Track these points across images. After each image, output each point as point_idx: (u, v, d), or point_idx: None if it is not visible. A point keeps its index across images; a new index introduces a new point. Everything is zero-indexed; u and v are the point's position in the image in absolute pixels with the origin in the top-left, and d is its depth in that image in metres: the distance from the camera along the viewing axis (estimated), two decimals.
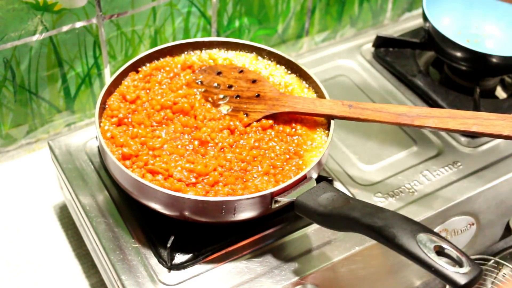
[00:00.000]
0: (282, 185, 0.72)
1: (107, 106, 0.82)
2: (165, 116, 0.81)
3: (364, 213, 0.64)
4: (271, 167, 0.77)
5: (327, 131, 0.81)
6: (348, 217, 0.65)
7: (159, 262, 0.76)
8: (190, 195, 0.72)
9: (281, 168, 0.77)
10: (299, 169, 0.77)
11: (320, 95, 0.85)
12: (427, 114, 0.74)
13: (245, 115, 0.82)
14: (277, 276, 0.76)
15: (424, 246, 0.58)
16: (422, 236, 0.59)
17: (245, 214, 0.73)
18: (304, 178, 0.74)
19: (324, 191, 0.71)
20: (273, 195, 0.72)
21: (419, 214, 0.84)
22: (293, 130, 0.82)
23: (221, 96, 0.84)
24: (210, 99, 0.84)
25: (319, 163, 0.76)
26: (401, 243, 0.59)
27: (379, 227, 0.62)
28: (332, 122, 0.80)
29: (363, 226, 0.64)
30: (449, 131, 0.74)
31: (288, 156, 0.78)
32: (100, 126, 0.79)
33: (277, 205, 0.73)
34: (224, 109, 0.83)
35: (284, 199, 0.72)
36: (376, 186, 0.87)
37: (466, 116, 0.73)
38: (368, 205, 0.66)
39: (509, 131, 0.70)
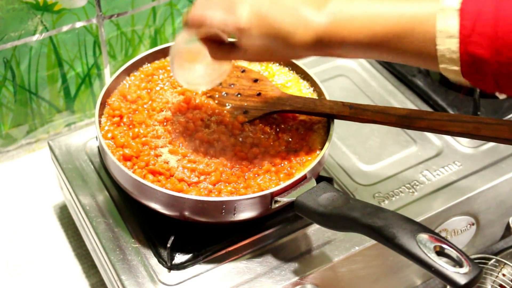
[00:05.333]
0: (282, 185, 0.72)
1: (108, 106, 0.82)
2: (165, 117, 0.81)
3: (364, 213, 0.64)
4: (272, 165, 0.77)
5: (327, 131, 0.81)
6: (348, 217, 0.65)
7: (159, 262, 0.76)
8: (190, 195, 0.72)
9: (281, 165, 0.77)
10: (299, 169, 0.77)
11: (320, 95, 0.85)
12: (427, 117, 0.74)
13: (245, 112, 0.82)
14: (277, 276, 0.76)
15: (424, 246, 0.58)
16: (422, 236, 0.59)
17: (245, 214, 0.73)
18: (304, 178, 0.74)
19: (324, 191, 0.71)
20: (273, 195, 0.72)
21: (419, 214, 0.84)
22: (293, 129, 0.82)
23: (223, 93, 0.84)
24: (211, 96, 0.84)
25: (319, 163, 0.76)
26: (401, 243, 0.59)
27: (379, 227, 0.62)
28: (332, 122, 0.80)
29: (363, 226, 0.64)
30: (448, 134, 0.74)
31: (288, 155, 0.78)
32: (100, 126, 0.79)
33: (277, 205, 0.73)
34: (225, 106, 0.83)
35: (284, 199, 0.72)
36: (376, 186, 0.87)
37: (466, 120, 0.73)
38: (368, 205, 0.66)
39: (508, 134, 0.70)
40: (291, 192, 0.73)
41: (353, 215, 0.65)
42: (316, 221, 0.71)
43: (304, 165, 0.77)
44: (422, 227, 0.61)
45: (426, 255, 0.58)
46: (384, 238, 0.61)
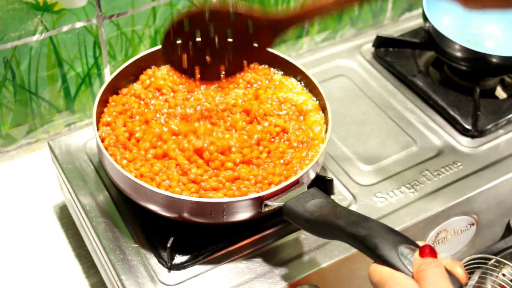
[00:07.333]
0: (272, 189, 0.72)
1: (112, 102, 0.82)
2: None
3: (349, 222, 0.64)
4: (265, 165, 0.77)
5: (323, 136, 0.81)
6: (333, 225, 0.65)
7: (159, 262, 0.76)
8: (179, 195, 0.71)
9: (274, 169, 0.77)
10: (292, 173, 0.76)
11: (318, 93, 0.85)
12: None
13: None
14: (277, 276, 0.76)
15: (404, 258, 0.57)
16: (404, 248, 0.58)
17: (236, 216, 0.73)
18: (296, 183, 0.74)
19: (313, 197, 0.71)
20: (263, 198, 0.72)
21: (419, 214, 0.84)
22: (289, 134, 0.81)
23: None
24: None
25: (312, 169, 0.76)
26: (381, 254, 0.58)
27: (361, 236, 0.61)
28: (329, 129, 0.80)
29: (346, 234, 0.63)
30: None
31: (282, 160, 0.78)
32: (98, 126, 0.80)
33: (267, 209, 0.73)
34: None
35: (273, 203, 0.72)
36: (376, 186, 0.87)
37: None
38: (354, 214, 0.66)
39: None
40: (281, 197, 0.72)
41: (338, 223, 0.64)
42: (303, 227, 0.70)
43: (297, 170, 0.77)
44: (404, 239, 0.59)
45: (406, 267, 0.57)
46: (366, 248, 0.60)
